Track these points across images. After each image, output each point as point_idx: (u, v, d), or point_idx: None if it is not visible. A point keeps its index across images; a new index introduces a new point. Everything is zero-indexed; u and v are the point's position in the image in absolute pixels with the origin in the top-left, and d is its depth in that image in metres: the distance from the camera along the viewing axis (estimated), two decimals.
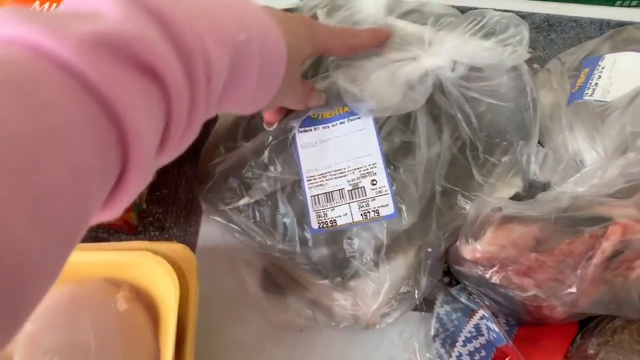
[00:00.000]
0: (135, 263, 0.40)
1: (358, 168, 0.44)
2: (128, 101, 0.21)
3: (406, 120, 0.45)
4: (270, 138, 0.45)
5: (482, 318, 0.41)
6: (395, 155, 0.44)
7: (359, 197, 0.43)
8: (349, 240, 0.43)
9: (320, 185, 0.44)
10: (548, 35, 0.55)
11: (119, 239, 0.48)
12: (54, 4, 0.43)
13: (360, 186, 0.44)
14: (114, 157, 0.22)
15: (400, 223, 0.43)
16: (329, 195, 0.44)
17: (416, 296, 0.43)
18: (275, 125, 0.45)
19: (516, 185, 0.45)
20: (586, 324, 0.41)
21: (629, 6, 0.57)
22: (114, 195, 0.23)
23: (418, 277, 0.43)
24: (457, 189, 0.44)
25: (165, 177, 0.50)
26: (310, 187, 0.44)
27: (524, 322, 0.41)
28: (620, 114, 0.40)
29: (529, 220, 0.39)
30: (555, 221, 0.39)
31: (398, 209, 0.42)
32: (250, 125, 0.46)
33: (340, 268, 0.43)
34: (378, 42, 0.43)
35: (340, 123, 0.45)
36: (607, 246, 0.37)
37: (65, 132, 0.19)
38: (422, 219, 0.43)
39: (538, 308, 0.39)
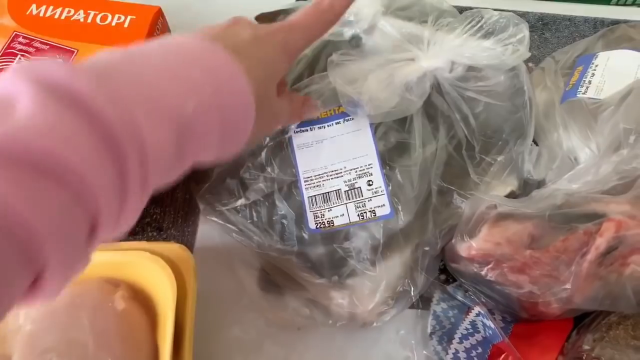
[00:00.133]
0: (133, 263, 0.40)
1: (354, 169, 0.44)
2: (33, 211, 0.20)
3: (402, 120, 0.45)
4: (267, 139, 0.45)
5: (478, 315, 0.41)
6: (391, 155, 0.45)
7: (356, 197, 0.44)
8: (345, 240, 0.43)
9: (317, 186, 0.44)
10: (542, 34, 0.56)
11: (117, 240, 0.48)
12: (51, 7, 0.44)
13: (356, 187, 0.44)
14: (25, 268, 0.21)
15: (396, 222, 0.43)
16: (325, 196, 0.44)
17: (413, 294, 0.43)
18: None
19: (511, 184, 0.45)
20: (582, 320, 0.41)
21: (624, 4, 0.57)
22: (35, 291, 0.22)
23: (415, 275, 0.43)
24: (453, 187, 0.45)
25: None
26: (307, 188, 0.44)
27: (520, 318, 0.42)
28: (613, 111, 0.40)
29: (523, 217, 0.39)
30: (550, 218, 0.39)
31: (394, 209, 0.43)
32: None
33: (337, 267, 0.43)
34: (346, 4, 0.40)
35: (336, 123, 0.46)
36: (601, 242, 0.37)
37: None
38: (419, 218, 0.44)
39: (534, 304, 0.39)
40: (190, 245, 0.48)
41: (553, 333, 0.40)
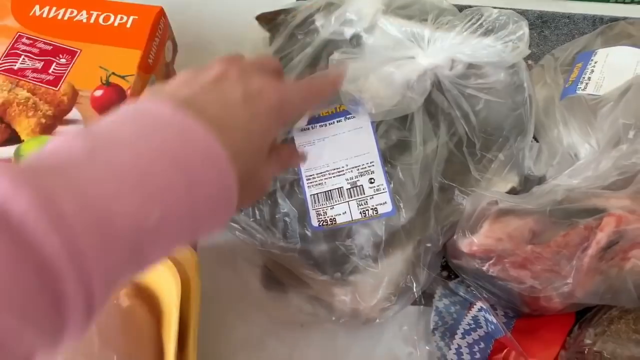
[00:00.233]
0: None
1: (356, 167, 0.45)
2: None
3: (403, 118, 0.45)
4: None
5: (480, 310, 0.41)
6: (393, 153, 0.45)
7: (358, 195, 0.44)
8: (348, 237, 0.44)
9: (320, 184, 0.45)
10: (542, 32, 0.56)
11: None
12: (54, 7, 0.44)
13: (358, 185, 0.44)
14: None
15: (398, 219, 0.43)
16: (328, 194, 0.44)
17: (415, 290, 0.43)
18: None
19: (512, 180, 0.45)
20: (583, 315, 0.41)
21: (623, 2, 0.58)
22: None
23: (417, 272, 0.43)
24: (455, 184, 0.45)
25: None
26: (310, 186, 0.45)
27: (522, 313, 0.42)
28: (612, 107, 0.41)
29: (524, 213, 0.40)
30: (551, 214, 0.39)
31: (396, 207, 0.43)
32: None
33: (339, 264, 0.43)
34: (335, 87, 0.39)
35: (338, 121, 0.46)
36: (601, 237, 0.38)
37: None
38: (421, 215, 0.44)
39: (535, 299, 0.39)
40: (193, 244, 0.48)
41: (555, 327, 0.40)
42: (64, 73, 0.42)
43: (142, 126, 0.26)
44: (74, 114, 0.41)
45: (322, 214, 0.44)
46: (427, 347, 0.43)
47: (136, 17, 0.44)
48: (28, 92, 0.41)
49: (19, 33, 0.43)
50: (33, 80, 0.41)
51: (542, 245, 0.39)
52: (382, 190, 0.44)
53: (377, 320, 0.43)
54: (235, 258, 0.46)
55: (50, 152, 0.24)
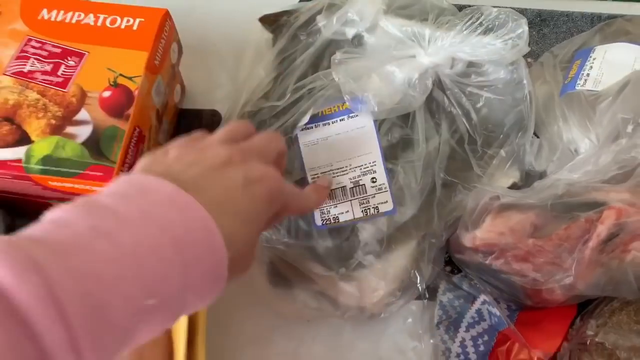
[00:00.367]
0: None
1: (359, 166, 0.45)
2: None
3: (405, 116, 0.46)
4: None
5: (483, 303, 0.42)
6: (395, 151, 0.46)
7: (360, 194, 0.45)
8: (352, 233, 0.44)
9: None
10: (541, 30, 0.57)
11: None
12: (62, 11, 0.45)
13: (361, 184, 0.45)
14: None
15: (402, 216, 0.44)
16: (331, 193, 0.45)
17: (419, 285, 0.44)
18: None
19: (513, 176, 0.46)
20: (585, 307, 0.42)
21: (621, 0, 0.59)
22: None
23: (421, 267, 0.44)
24: (457, 181, 0.46)
25: None
26: None
27: (525, 306, 0.42)
28: (611, 102, 0.41)
29: (526, 207, 0.40)
30: (552, 207, 0.40)
31: (397, 205, 0.44)
32: (255, 124, 0.47)
33: (344, 259, 0.44)
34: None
35: (341, 120, 0.47)
36: (602, 229, 0.38)
37: None
38: (424, 211, 0.45)
39: (537, 292, 0.40)
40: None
41: (557, 319, 0.41)
42: (73, 75, 0.42)
43: (147, 205, 0.27)
44: (82, 114, 0.41)
45: (326, 212, 0.45)
46: (431, 341, 0.44)
47: (142, 19, 0.44)
48: (38, 93, 0.42)
49: (28, 36, 0.44)
50: (42, 82, 0.42)
51: (543, 239, 0.39)
52: (384, 190, 0.45)
53: (382, 315, 0.44)
54: None
55: (55, 226, 0.25)
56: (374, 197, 0.44)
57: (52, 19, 0.44)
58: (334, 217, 0.45)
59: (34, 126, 0.41)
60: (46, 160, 0.40)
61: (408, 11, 0.48)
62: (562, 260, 0.39)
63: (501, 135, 0.46)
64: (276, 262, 0.46)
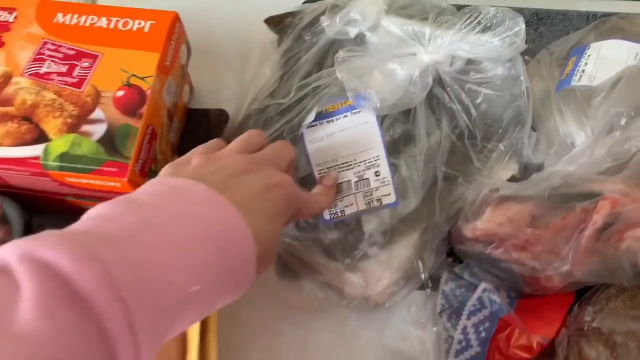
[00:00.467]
0: None
1: (363, 161, 0.47)
2: None
3: (406, 112, 0.48)
4: (282, 135, 0.48)
5: (484, 291, 0.43)
6: (397, 146, 0.47)
7: (364, 187, 0.46)
8: (357, 225, 0.46)
9: None
10: (537, 29, 0.58)
11: None
12: (75, 15, 0.47)
13: (365, 177, 0.47)
14: None
15: (405, 208, 0.46)
16: (337, 187, 0.46)
17: (422, 275, 0.45)
18: None
19: (512, 169, 0.48)
20: (583, 294, 0.43)
21: None
22: None
23: (424, 257, 0.46)
24: (458, 174, 0.47)
25: None
26: None
27: (524, 294, 0.44)
28: (605, 97, 0.43)
29: (524, 198, 0.42)
30: (549, 198, 0.41)
31: (400, 198, 0.45)
32: (262, 122, 0.49)
33: (349, 251, 0.45)
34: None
35: (344, 116, 0.48)
36: (597, 219, 0.40)
37: None
38: (426, 203, 0.46)
39: (536, 280, 0.42)
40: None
41: (555, 306, 0.42)
42: (87, 75, 0.44)
43: (184, 202, 0.29)
44: (97, 113, 0.43)
45: (333, 206, 0.46)
46: (434, 329, 0.45)
47: (153, 22, 0.46)
48: (54, 94, 0.43)
49: (43, 39, 0.46)
50: (58, 83, 0.44)
51: (541, 228, 0.41)
52: (387, 183, 0.46)
53: (386, 304, 0.45)
54: None
55: (100, 220, 0.27)
56: (378, 189, 0.46)
57: (67, 22, 0.46)
58: (340, 211, 0.46)
59: (51, 125, 0.42)
60: (63, 157, 0.41)
61: (409, 11, 0.50)
62: (559, 248, 0.40)
63: (500, 130, 0.48)
64: (283, 254, 0.48)
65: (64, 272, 0.23)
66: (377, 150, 0.47)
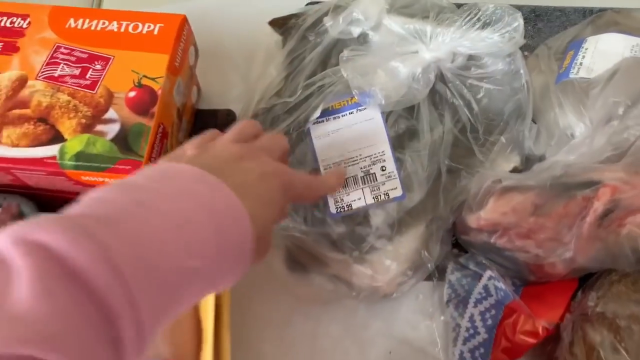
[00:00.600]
0: None
1: (369, 156, 0.48)
2: None
3: (410, 108, 0.49)
4: (289, 132, 0.49)
5: (490, 278, 0.44)
6: (402, 141, 0.48)
7: (371, 182, 0.47)
8: (364, 218, 0.47)
9: None
10: (535, 25, 0.60)
11: None
12: (87, 19, 0.48)
13: (371, 172, 0.48)
14: None
15: (410, 201, 0.47)
16: (344, 182, 0.48)
17: (429, 266, 0.46)
18: None
19: (514, 160, 0.49)
20: (586, 280, 0.44)
21: None
22: None
23: (430, 248, 0.47)
24: (461, 167, 0.48)
25: None
26: None
27: (529, 281, 0.45)
28: (602, 87, 0.44)
29: (526, 188, 0.43)
30: (551, 188, 0.42)
31: (406, 191, 0.46)
32: (269, 120, 0.50)
33: (357, 243, 0.47)
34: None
35: (350, 113, 0.49)
36: (598, 206, 0.41)
37: None
38: (431, 196, 0.47)
39: (540, 267, 0.43)
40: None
41: (559, 292, 0.43)
42: (100, 77, 0.45)
43: (180, 182, 0.30)
44: (110, 113, 0.44)
45: (340, 200, 0.48)
46: (442, 318, 0.46)
47: (162, 25, 0.48)
48: (68, 95, 0.45)
49: (57, 44, 0.47)
50: (72, 85, 0.45)
51: (544, 217, 0.42)
52: (393, 177, 0.47)
53: (395, 295, 0.46)
54: None
55: (96, 202, 0.27)
56: (384, 184, 0.47)
57: (79, 27, 0.48)
58: (347, 205, 0.47)
59: (66, 125, 0.44)
60: (79, 156, 0.43)
61: (410, 10, 0.51)
62: (562, 235, 0.41)
63: (501, 123, 0.49)
64: (292, 249, 0.49)
65: (59, 251, 0.23)
66: (383, 145, 0.48)
